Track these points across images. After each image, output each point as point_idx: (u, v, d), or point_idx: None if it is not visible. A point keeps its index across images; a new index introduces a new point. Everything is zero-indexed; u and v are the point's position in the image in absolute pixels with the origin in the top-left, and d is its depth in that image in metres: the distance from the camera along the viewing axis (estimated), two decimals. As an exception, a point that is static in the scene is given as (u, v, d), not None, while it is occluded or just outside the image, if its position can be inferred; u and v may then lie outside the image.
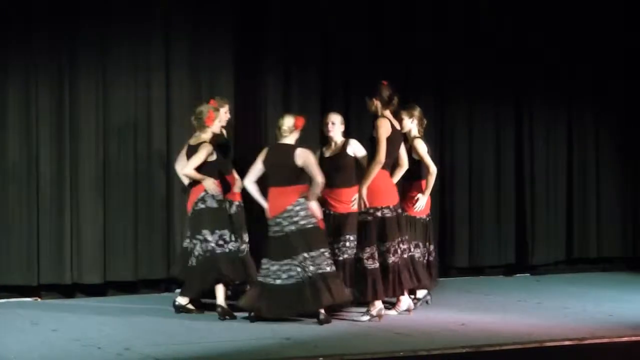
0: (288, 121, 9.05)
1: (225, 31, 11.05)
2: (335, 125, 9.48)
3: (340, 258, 9.21)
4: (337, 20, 11.60)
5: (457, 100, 12.11)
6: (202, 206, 9.35)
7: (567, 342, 7.99)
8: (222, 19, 11.05)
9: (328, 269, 8.86)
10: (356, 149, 9.37)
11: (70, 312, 9.52)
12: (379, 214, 9.05)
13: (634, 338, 8.15)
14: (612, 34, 12.71)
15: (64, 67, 10.39)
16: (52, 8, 10.33)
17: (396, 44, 11.81)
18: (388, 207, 9.07)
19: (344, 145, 9.39)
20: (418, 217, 9.66)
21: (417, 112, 9.75)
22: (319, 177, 8.90)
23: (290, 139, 9.05)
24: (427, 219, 9.79)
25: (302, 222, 8.90)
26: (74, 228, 10.37)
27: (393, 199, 9.13)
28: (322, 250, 8.89)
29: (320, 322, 8.79)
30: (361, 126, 10.74)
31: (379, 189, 9.05)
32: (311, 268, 8.80)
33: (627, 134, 12.93)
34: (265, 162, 9.03)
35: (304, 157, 8.93)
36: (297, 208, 8.90)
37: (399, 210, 9.19)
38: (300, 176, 8.95)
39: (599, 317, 9.20)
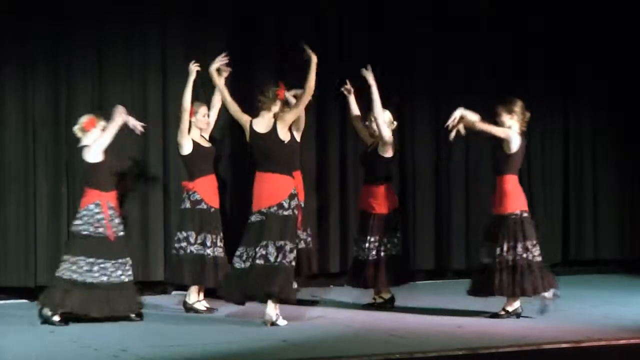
0: (79, 122, 9.05)
1: (220, 31, 11.05)
2: (376, 122, 9.49)
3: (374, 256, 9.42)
4: (333, 18, 11.61)
5: (453, 100, 12.08)
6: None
7: (563, 345, 7.98)
8: (217, 19, 11.05)
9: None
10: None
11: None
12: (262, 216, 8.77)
13: (631, 341, 8.14)
14: (610, 33, 12.71)
15: (61, 67, 10.39)
16: (48, 9, 10.33)
17: (394, 41, 11.82)
18: (268, 208, 8.68)
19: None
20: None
21: (517, 107, 9.18)
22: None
23: (86, 140, 8.99)
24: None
25: (80, 227, 8.91)
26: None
27: (267, 200, 8.71)
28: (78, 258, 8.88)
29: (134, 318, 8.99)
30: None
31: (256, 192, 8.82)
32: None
33: (624, 135, 12.92)
34: None
35: (86, 157, 8.90)
36: (83, 213, 8.91)
37: (282, 213, 8.67)
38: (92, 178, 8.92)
39: (595, 320, 9.20)
